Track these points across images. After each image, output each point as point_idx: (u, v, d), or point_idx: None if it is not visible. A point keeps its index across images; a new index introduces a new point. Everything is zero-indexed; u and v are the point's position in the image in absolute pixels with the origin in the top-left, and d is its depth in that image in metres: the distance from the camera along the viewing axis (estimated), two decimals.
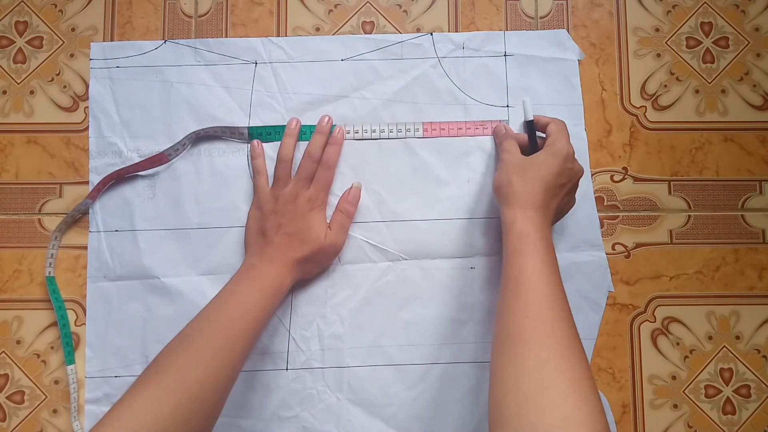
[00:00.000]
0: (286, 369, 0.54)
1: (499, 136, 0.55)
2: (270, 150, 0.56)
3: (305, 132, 0.56)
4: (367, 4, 0.59)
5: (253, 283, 0.49)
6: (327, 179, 0.54)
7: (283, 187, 0.52)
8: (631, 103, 0.58)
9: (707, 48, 0.59)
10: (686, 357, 0.56)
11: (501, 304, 0.44)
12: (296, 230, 0.51)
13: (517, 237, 0.46)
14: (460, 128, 0.57)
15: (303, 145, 0.55)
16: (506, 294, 0.44)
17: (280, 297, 0.51)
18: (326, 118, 0.55)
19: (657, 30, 0.59)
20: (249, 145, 0.56)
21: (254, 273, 0.50)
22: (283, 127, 0.56)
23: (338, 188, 0.56)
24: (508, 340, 0.41)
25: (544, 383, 0.37)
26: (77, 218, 0.56)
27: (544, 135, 0.53)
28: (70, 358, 0.54)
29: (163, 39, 0.58)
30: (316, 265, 0.54)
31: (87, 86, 0.57)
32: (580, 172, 0.51)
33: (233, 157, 0.56)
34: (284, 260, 0.51)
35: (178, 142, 0.55)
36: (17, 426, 0.54)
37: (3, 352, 0.55)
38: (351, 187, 0.55)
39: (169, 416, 0.39)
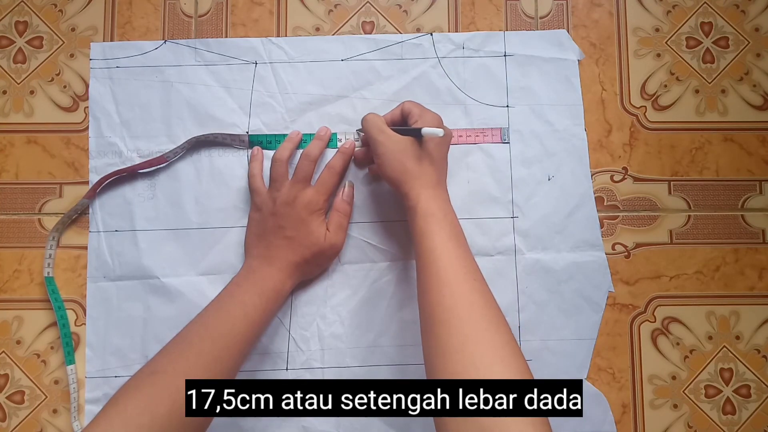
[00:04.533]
0: (286, 369, 0.54)
1: (373, 127, 0.50)
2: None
3: (306, 140, 0.56)
4: (367, 4, 0.59)
5: (253, 286, 0.49)
6: (331, 183, 0.53)
7: (280, 188, 0.52)
8: (631, 103, 0.58)
9: (707, 48, 0.59)
10: (686, 357, 0.56)
11: (419, 286, 0.45)
12: (295, 234, 0.51)
13: (423, 218, 0.46)
14: (461, 135, 0.57)
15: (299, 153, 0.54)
16: (421, 275, 0.45)
17: (281, 301, 0.51)
18: (324, 129, 0.55)
19: (657, 30, 0.59)
20: (249, 151, 0.56)
21: (254, 276, 0.50)
22: (284, 135, 0.55)
23: None
24: (430, 322, 0.42)
25: (467, 359, 0.39)
26: (75, 218, 0.56)
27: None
28: (70, 358, 0.54)
29: (163, 39, 0.58)
30: (316, 266, 0.54)
31: (87, 86, 0.57)
32: (451, 135, 0.52)
33: (233, 157, 0.56)
34: (284, 263, 0.51)
35: (178, 146, 0.55)
36: (17, 426, 0.54)
37: (3, 352, 0.55)
38: (344, 186, 0.55)
39: (165, 417, 0.39)
